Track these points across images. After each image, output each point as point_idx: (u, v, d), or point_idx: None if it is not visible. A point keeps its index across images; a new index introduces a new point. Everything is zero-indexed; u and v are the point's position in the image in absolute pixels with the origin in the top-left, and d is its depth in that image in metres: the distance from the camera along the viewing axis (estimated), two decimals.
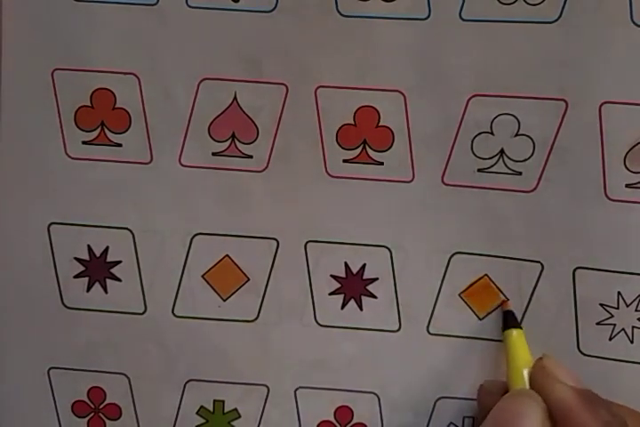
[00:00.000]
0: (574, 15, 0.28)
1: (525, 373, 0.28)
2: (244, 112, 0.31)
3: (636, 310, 0.30)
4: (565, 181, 0.30)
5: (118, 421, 0.34)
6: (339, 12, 0.29)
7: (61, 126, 0.31)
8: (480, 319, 0.31)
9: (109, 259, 0.32)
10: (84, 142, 0.32)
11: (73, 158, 0.32)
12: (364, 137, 0.31)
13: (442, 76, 0.30)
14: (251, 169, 0.31)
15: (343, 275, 0.32)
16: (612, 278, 0.30)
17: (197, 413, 0.33)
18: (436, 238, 0.31)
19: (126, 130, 0.31)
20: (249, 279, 0.32)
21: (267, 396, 0.33)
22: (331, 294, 0.32)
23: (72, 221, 0.32)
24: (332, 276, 0.32)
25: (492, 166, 0.30)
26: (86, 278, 0.33)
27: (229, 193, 0.31)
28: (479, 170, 0.30)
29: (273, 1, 0.30)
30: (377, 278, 0.31)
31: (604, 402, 0.26)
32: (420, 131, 0.30)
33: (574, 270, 0.30)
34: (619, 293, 0.30)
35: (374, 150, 0.31)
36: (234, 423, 0.33)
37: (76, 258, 0.32)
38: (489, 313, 0.31)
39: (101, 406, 0.34)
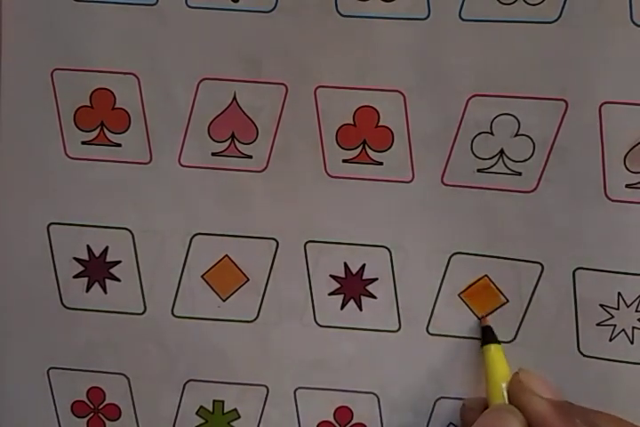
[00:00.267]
0: (574, 15, 0.28)
1: (504, 386, 0.28)
2: (243, 112, 0.31)
3: (637, 311, 0.30)
4: (565, 182, 0.29)
5: (118, 421, 0.34)
6: (338, 12, 0.29)
7: (61, 126, 0.31)
8: (480, 320, 0.31)
9: (109, 259, 0.32)
10: (83, 142, 0.32)
11: (72, 158, 0.32)
12: (364, 137, 0.30)
13: (442, 76, 0.30)
14: (250, 169, 0.31)
15: (343, 275, 0.32)
16: (612, 279, 0.30)
17: (197, 413, 0.33)
18: (435, 238, 0.31)
19: (126, 130, 0.31)
20: (248, 279, 0.32)
21: (266, 396, 0.33)
22: (330, 294, 0.32)
23: (72, 221, 0.32)
24: (331, 276, 0.32)
25: (492, 167, 0.30)
26: (86, 279, 0.33)
27: (229, 193, 0.31)
28: (479, 170, 0.30)
29: (273, 1, 0.30)
30: (376, 279, 0.31)
31: (581, 412, 0.26)
32: (419, 131, 0.30)
33: (574, 271, 0.30)
34: (619, 293, 0.30)
35: (374, 150, 0.31)
36: (233, 424, 0.33)
37: (75, 258, 0.32)
38: (489, 314, 0.31)
39: (101, 407, 0.34)
